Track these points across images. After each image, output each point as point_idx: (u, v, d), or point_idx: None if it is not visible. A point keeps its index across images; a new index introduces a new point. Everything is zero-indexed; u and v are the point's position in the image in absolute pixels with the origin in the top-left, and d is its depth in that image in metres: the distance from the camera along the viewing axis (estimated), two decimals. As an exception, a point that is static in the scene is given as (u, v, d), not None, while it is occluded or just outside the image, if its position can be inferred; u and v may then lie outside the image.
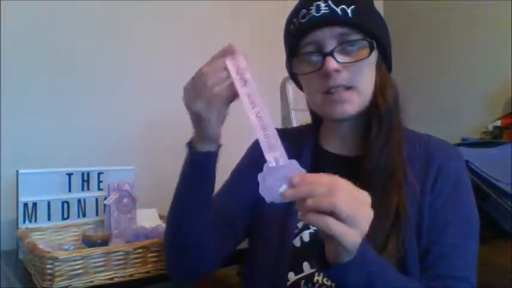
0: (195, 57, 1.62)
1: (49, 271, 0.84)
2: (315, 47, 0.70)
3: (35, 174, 1.17)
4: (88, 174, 1.25)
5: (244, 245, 0.85)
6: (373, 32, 0.70)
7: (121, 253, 0.92)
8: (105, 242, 1.04)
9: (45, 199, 1.18)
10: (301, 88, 0.80)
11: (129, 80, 1.51)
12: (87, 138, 1.43)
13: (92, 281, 0.89)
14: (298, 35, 0.71)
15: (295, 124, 1.66)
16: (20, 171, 1.14)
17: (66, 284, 0.86)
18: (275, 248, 0.73)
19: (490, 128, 1.69)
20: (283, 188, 0.51)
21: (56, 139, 1.37)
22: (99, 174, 1.27)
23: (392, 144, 0.71)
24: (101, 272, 0.90)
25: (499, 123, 1.66)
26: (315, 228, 0.70)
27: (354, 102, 0.70)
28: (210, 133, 0.66)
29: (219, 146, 0.70)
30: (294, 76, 0.80)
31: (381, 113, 0.72)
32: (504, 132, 1.63)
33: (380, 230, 0.64)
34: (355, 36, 0.69)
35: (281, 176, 0.52)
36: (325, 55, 0.68)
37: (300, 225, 0.74)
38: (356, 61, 0.68)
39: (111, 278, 0.91)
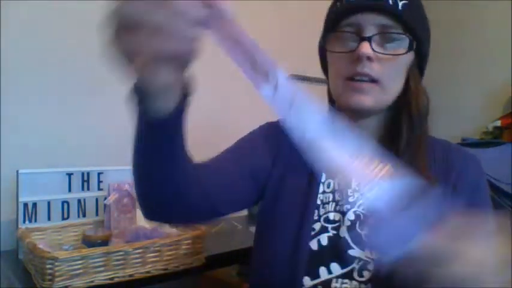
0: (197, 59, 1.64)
1: (49, 271, 0.84)
2: (355, 29, 0.67)
3: (35, 174, 1.17)
4: (88, 174, 1.25)
5: (245, 244, 0.85)
6: (417, 33, 0.68)
7: (121, 253, 0.92)
8: (105, 242, 1.04)
9: (45, 199, 1.18)
10: (325, 71, 0.77)
11: (129, 79, 1.51)
12: (87, 138, 1.43)
13: (92, 281, 0.89)
14: (342, 13, 0.68)
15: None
16: (20, 171, 1.14)
17: (66, 284, 0.86)
18: (289, 250, 0.69)
19: (490, 128, 1.69)
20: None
21: (56, 139, 1.37)
22: (99, 174, 1.27)
23: (420, 157, 0.69)
24: (101, 272, 0.90)
25: (499, 123, 1.67)
26: (334, 232, 0.69)
27: (375, 96, 0.67)
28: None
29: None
30: (323, 54, 0.76)
31: (414, 121, 0.70)
32: (504, 132, 1.64)
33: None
34: (398, 30, 0.67)
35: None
36: (362, 39, 0.65)
37: (316, 227, 0.70)
38: (391, 54, 0.66)
39: (111, 278, 0.91)
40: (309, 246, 0.69)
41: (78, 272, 0.87)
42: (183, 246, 1.03)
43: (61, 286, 0.85)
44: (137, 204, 1.17)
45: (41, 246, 0.91)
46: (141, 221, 1.18)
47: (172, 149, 0.57)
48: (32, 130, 1.33)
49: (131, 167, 0.58)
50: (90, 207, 1.25)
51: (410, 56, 0.69)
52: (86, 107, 1.43)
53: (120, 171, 1.27)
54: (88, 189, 1.25)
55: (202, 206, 0.65)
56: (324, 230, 0.70)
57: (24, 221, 1.14)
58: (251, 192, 0.74)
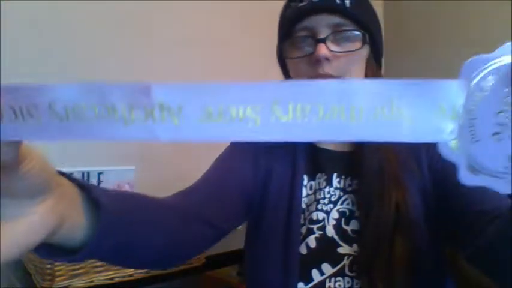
0: (195, 57, 1.64)
1: (49, 271, 0.84)
2: (309, 33, 0.69)
3: (35, 174, 1.17)
4: (88, 174, 1.25)
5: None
6: (368, 26, 0.69)
7: (121, 253, 0.92)
8: (105, 242, 1.04)
9: (45, 199, 1.18)
10: (286, 77, 0.77)
11: (129, 79, 1.51)
12: (87, 138, 1.43)
13: (92, 281, 0.89)
14: (293, 19, 0.70)
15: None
16: (20, 171, 1.14)
17: (66, 284, 0.86)
18: (280, 259, 0.70)
19: (490, 128, 1.69)
20: None
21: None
22: (99, 174, 1.27)
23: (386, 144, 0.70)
24: (101, 272, 0.90)
25: (499, 123, 1.67)
26: (320, 232, 0.69)
27: None
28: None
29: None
30: (282, 62, 0.77)
31: None
32: (504, 132, 1.64)
33: (384, 229, 0.64)
34: (350, 27, 0.68)
35: None
36: (317, 41, 0.67)
37: (303, 230, 0.71)
38: (347, 52, 0.68)
39: (111, 278, 0.91)
40: (299, 251, 0.69)
41: (78, 272, 0.87)
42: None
43: (61, 286, 0.85)
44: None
45: (41, 246, 0.91)
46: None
47: (130, 239, 0.49)
48: (32, 130, 1.33)
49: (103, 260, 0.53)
50: (90, 207, 1.25)
51: (365, 50, 0.70)
52: (86, 107, 1.43)
53: (120, 171, 1.27)
54: (88, 189, 1.25)
55: (208, 234, 0.66)
56: (310, 232, 0.70)
57: (24, 221, 1.14)
58: (246, 203, 0.75)
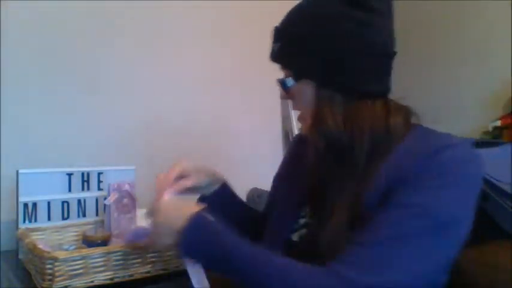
0: (195, 57, 1.64)
1: (49, 271, 0.84)
2: None
3: (35, 174, 1.17)
4: (88, 174, 1.25)
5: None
6: (296, 67, 0.73)
7: (121, 253, 0.92)
8: (105, 242, 1.04)
9: (45, 199, 1.18)
10: None
11: (129, 79, 1.51)
12: (87, 138, 1.43)
13: (92, 281, 0.89)
14: None
15: (295, 124, 1.66)
16: (20, 171, 1.14)
17: (66, 284, 0.86)
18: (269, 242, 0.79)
19: (490, 128, 1.69)
20: None
21: (56, 139, 1.37)
22: (99, 174, 1.27)
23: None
24: (101, 272, 0.90)
25: (499, 123, 1.66)
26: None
27: (307, 122, 0.74)
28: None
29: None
30: None
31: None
32: (504, 132, 1.63)
33: (337, 225, 0.65)
34: (285, 70, 0.75)
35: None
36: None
37: (302, 221, 0.77)
38: (288, 93, 0.75)
39: (111, 278, 0.91)
40: (290, 237, 0.77)
41: (78, 272, 0.87)
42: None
43: (61, 286, 0.85)
44: (137, 204, 1.17)
45: (41, 246, 0.91)
46: (141, 221, 1.18)
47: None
48: (32, 130, 1.33)
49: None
50: (90, 207, 1.25)
51: (306, 84, 0.72)
52: (86, 107, 1.43)
53: (120, 171, 1.27)
54: (88, 189, 1.25)
55: None
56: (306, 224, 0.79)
57: (24, 221, 1.14)
58: None
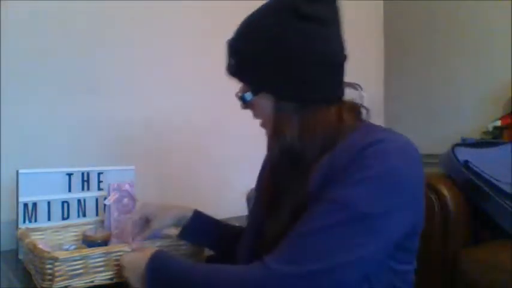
0: (195, 58, 1.64)
1: (49, 271, 0.84)
2: None
3: (35, 174, 1.17)
4: (88, 174, 1.25)
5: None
6: (253, 83, 0.75)
7: (121, 253, 0.92)
8: (105, 242, 1.04)
9: (45, 199, 1.18)
10: None
11: (129, 80, 1.51)
12: (87, 138, 1.43)
13: (92, 281, 0.89)
14: None
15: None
16: (20, 171, 1.14)
17: (66, 284, 0.86)
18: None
19: (490, 128, 1.69)
20: None
21: (56, 139, 1.37)
22: (99, 174, 1.27)
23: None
24: (101, 272, 0.90)
25: (499, 123, 1.66)
26: None
27: (268, 131, 0.79)
28: None
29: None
30: None
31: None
32: (504, 132, 1.63)
33: (279, 223, 0.70)
34: (243, 85, 0.78)
35: None
36: None
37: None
38: (247, 106, 0.78)
39: (111, 278, 0.91)
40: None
41: (78, 272, 0.87)
42: (183, 247, 1.03)
43: (61, 286, 0.85)
44: (137, 204, 1.17)
45: (41, 246, 0.91)
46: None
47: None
48: (32, 130, 1.33)
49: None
50: (90, 207, 1.25)
51: (264, 98, 0.75)
52: (86, 107, 1.43)
53: (120, 171, 1.27)
54: (88, 189, 1.25)
55: None
56: None
57: (24, 221, 1.14)
58: None
